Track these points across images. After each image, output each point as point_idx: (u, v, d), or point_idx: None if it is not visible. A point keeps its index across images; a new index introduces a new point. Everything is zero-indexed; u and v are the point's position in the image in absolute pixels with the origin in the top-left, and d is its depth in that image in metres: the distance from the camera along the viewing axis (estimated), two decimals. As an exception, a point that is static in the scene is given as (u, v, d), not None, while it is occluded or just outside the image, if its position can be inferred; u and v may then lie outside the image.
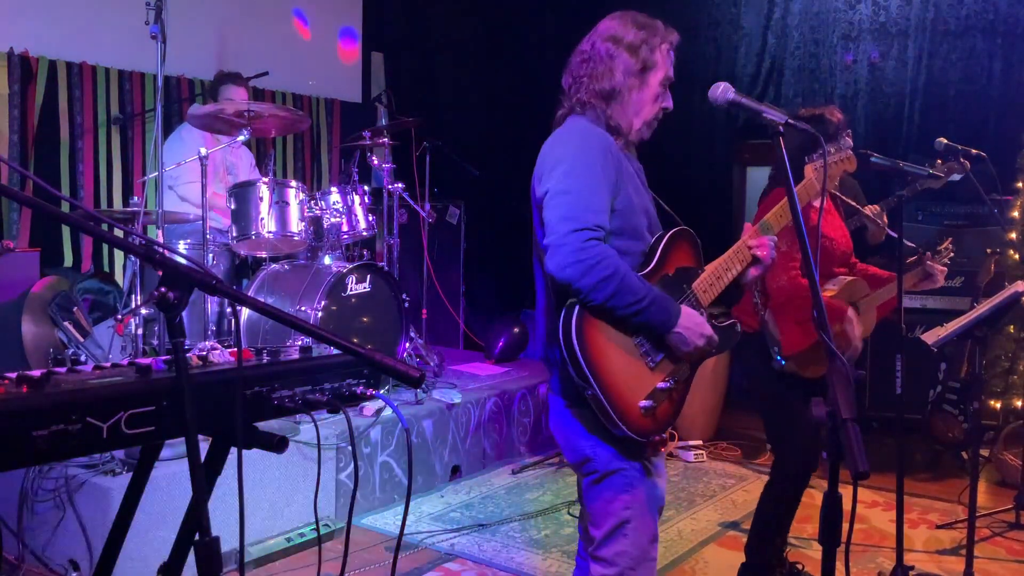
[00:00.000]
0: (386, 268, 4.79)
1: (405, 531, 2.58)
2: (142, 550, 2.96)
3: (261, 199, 4.26)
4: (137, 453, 1.88)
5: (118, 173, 5.47)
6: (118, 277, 5.18)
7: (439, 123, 6.85)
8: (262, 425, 1.77)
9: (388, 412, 4.08)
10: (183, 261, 1.44)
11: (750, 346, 2.99)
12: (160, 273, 1.41)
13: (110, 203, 5.38)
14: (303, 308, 4.13)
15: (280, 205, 4.30)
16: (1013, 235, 4.68)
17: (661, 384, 2.02)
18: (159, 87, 3.68)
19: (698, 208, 2.37)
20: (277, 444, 1.73)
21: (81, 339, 3.86)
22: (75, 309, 3.96)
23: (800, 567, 3.27)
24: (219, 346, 1.84)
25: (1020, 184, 4.76)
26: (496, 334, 5.79)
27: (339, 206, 4.63)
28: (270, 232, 4.26)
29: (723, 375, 5.44)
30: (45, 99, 5.10)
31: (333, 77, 6.89)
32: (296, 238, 4.36)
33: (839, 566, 1.61)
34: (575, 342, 1.91)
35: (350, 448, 3.59)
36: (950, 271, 4.85)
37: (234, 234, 4.31)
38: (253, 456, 3.32)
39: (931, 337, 3.38)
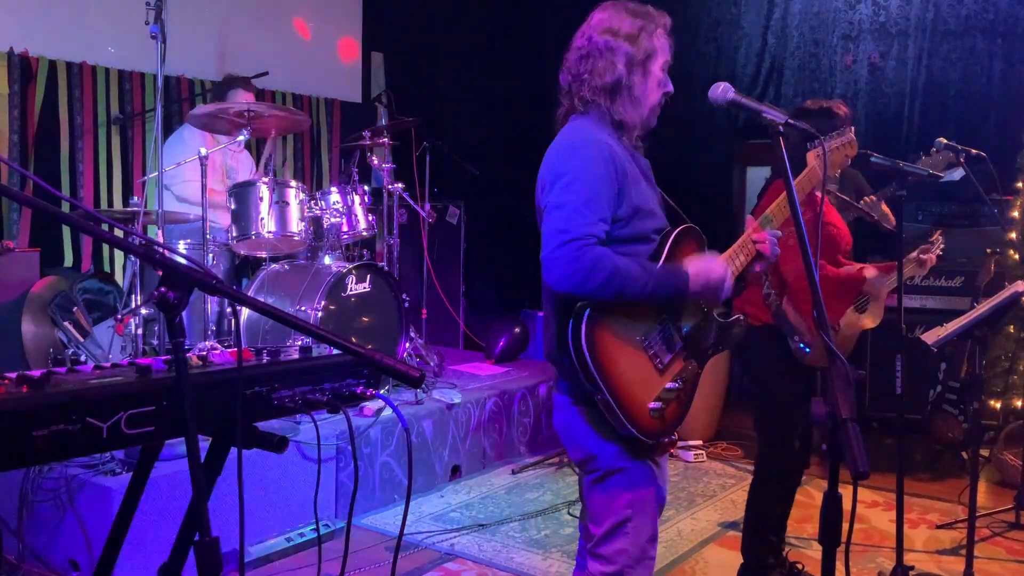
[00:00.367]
0: (386, 268, 4.79)
1: (405, 531, 2.58)
2: (142, 550, 2.96)
3: (261, 199, 4.26)
4: (137, 453, 1.88)
5: (118, 173, 5.47)
6: (118, 277, 5.18)
7: (439, 123, 6.85)
8: (262, 425, 1.77)
9: (388, 412, 4.08)
10: (183, 261, 1.44)
11: (755, 339, 2.98)
12: (160, 273, 1.41)
13: (110, 203, 5.38)
14: (303, 308, 4.13)
15: (280, 205, 4.30)
16: (1013, 235, 4.68)
17: (670, 385, 2.02)
18: (159, 87, 3.68)
19: (698, 208, 2.37)
20: (277, 444, 1.73)
21: (81, 339, 3.86)
22: (75, 309, 3.96)
23: (800, 567, 3.27)
24: (219, 346, 1.84)
25: (1020, 184, 4.76)
26: (496, 334, 5.79)
27: (339, 206, 4.63)
28: (270, 232, 4.26)
29: (723, 375, 5.44)
30: (45, 99, 5.10)
31: (333, 77, 6.89)
32: (296, 238, 4.36)
33: (839, 566, 1.61)
34: (584, 348, 1.90)
35: (350, 448, 3.59)
36: (950, 271, 4.88)
37: (234, 234, 4.31)
38: (253, 456, 3.32)
39: (931, 337, 3.38)
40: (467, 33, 7.28)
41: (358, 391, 1.92)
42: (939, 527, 3.94)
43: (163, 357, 1.75)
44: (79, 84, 5.26)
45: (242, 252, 4.49)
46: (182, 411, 1.44)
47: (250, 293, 4.27)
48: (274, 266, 4.48)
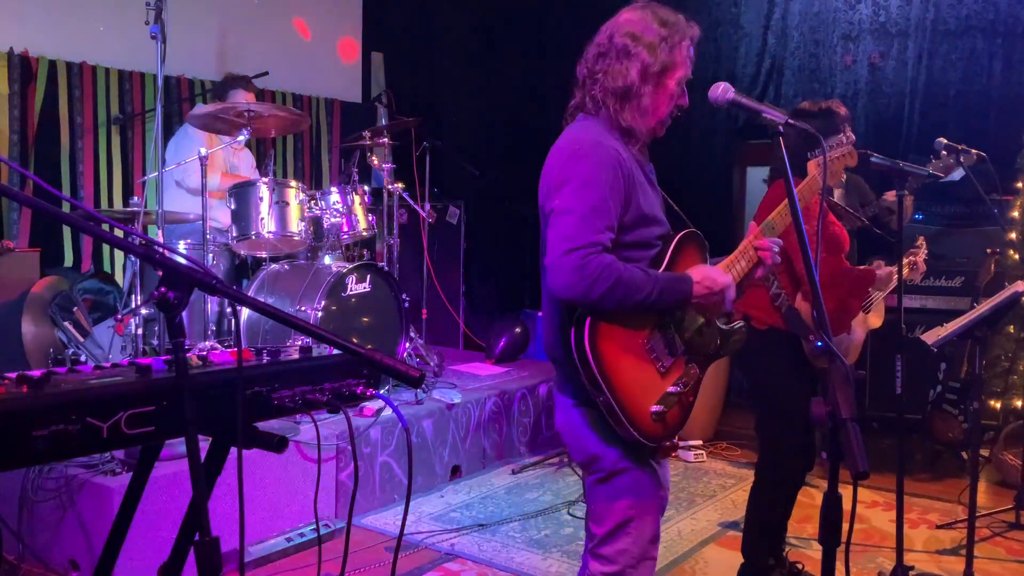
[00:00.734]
0: (386, 268, 4.79)
1: (405, 531, 2.58)
2: (142, 550, 2.96)
3: (261, 199, 4.26)
4: (137, 453, 1.88)
5: (118, 173, 5.47)
6: (118, 277, 5.18)
7: (439, 123, 6.85)
8: (262, 425, 1.77)
9: (388, 412, 4.08)
10: (183, 261, 1.44)
11: (757, 342, 2.98)
12: (160, 273, 1.41)
13: (110, 203, 5.38)
14: (303, 308, 4.13)
15: (280, 205, 4.31)
16: (1013, 235, 4.67)
17: (671, 388, 2.02)
18: (159, 87, 3.68)
19: (698, 208, 2.37)
20: (277, 444, 1.73)
21: (81, 339, 3.86)
22: (75, 309, 3.96)
23: (800, 567, 3.27)
24: (219, 346, 1.84)
25: (1020, 184, 4.76)
26: (496, 334, 5.78)
27: (339, 206, 4.63)
28: (270, 232, 4.27)
29: (723, 375, 5.44)
30: (45, 99, 5.10)
31: (333, 77, 6.89)
32: (296, 238, 4.36)
33: (839, 566, 1.61)
34: (587, 349, 1.90)
35: (350, 448, 3.59)
36: (950, 271, 4.88)
37: (234, 234, 4.31)
38: (253, 456, 3.32)
39: (931, 337, 3.38)
40: (467, 33, 7.28)
41: (358, 391, 1.92)
42: (939, 527, 3.94)
43: (163, 357, 1.75)
44: (79, 84, 5.26)
45: (242, 252, 4.49)
46: (182, 411, 1.44)
47: (250, 293, 4.27)
48: (274, 266, 4.48)
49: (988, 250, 4.49)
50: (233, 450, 1.72)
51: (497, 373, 5.31)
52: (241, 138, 4.28)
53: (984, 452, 4.51)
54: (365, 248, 5.21)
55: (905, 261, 3.34)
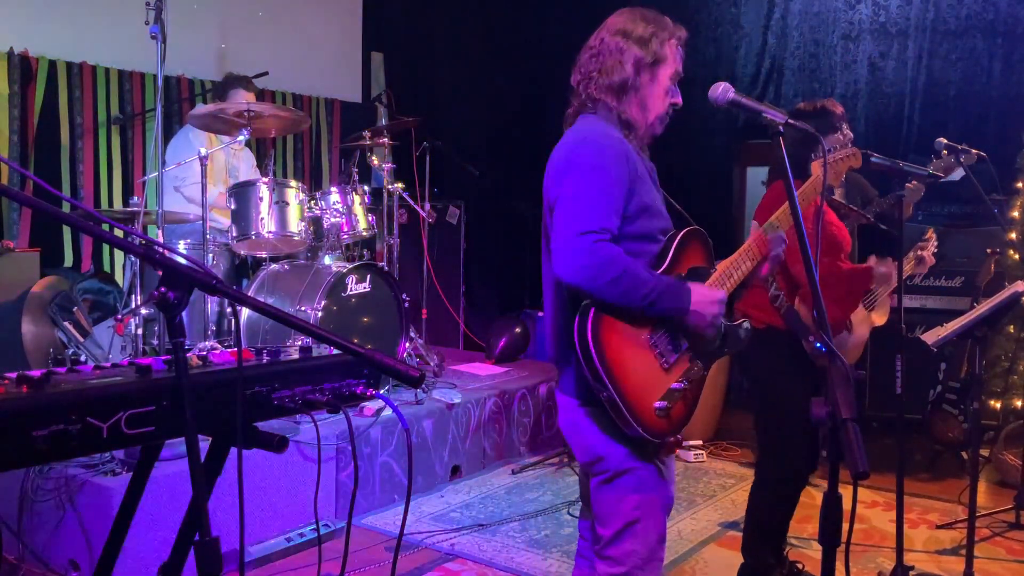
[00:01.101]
0: (386, 268, 4.79)
1: (405, 531, 2.58)
2: (142, 550, 2.96)
3: (261, 199, 4.26)
4: (137, 453, 1.88)
5: (118, 173, 5.47)
6: (118, 277, 5.18)
7: (439, 123, 6.85)
8: (262, 425, 1.77)
9: (388, 412, 4.08)
10: (183, 261, 1.44)
11: (762, 342, 2.98)
12: (160, 273, 1.41)
13: (110, 203, 5.38)
14: (303, 308, 4.13)
15: (280, 205, 4.30)
16: (1013, 235, 4.68)
17: (675, 385, 2.02)
18: (159, 87, 3.68)
19: (698, 208, 2.37)
20: (277, 444, 1.73)
21: (81, 339, 3.86)
22: (75, 309, 3.96)
23: (800, 567, 3.27)
24: (219, 346, 1.84)
25: (1020, 184, 4.76)
26: (496, 334, 5.78)
27: (339, 206, 4.63)
28: (270, 232, 4.27)
29: (723, 375, 5.44)
30: (45, 99, 5.10)
31: (333, 77, 6.89)
32: (296, 238, 4.36)
33: (839, 566, 1.61)
34: (591, 345, 1.91)
35: (350, 448, 3.59)
36: (950, 271, 4.88)
37: (234, 234, 4.31)
38: (253, 456, 3.32)
39: (931, 337, 3.38)
40: (467, 33, 7.28)
41: (358, 391, 1.92)
42: (939, 527, 3.94)
43: (163, 357, 1.75)
44: (79, 84, 5.26)
45: (242, 252, 4.49)
46: (182, 411, 1.44)
47: (250, 293, 4.27)
48: (274, 266, 4.48)
49: (988, 250, 4.49)
50: (233, 450, 1.72)
51: (497, 373, 5.31)
52: (241, 138, 4.28)
53: (984, 452, 4.51)
54: (365, 248, 5.21)
55: (913, 255, 3.34)
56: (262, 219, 4.25)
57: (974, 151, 3.52)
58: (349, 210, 4.65)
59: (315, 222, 4.57)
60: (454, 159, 6.14)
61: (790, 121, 1.92)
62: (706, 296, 2.01)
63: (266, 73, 5.65)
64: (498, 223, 7.07)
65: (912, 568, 3.14)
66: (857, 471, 1.48)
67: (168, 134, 4.94)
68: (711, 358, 2.14)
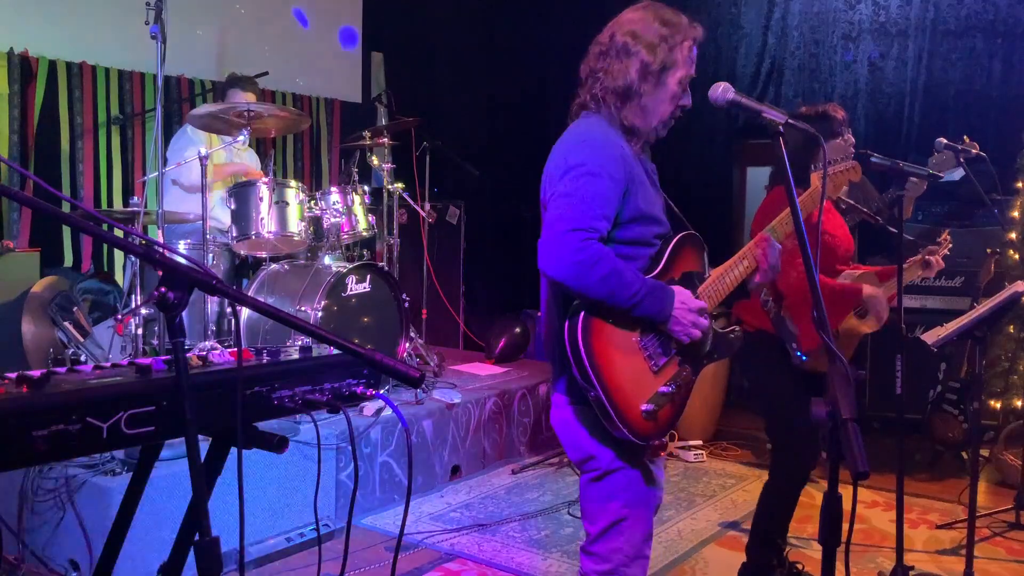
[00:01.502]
0: (386, 268, 4.79)
1: (405, 531, 2.58)
2: (142, 550, 2.96)
3: (261, 199, 4.26)
4: (137, 453, 1.88)
5: (118, 173, 5.47)
6: (118, 277, 5.19)
7: (439, 123, 6.85)
8: (262, 425, 1.77)
9: (388, 412, 4.07)
10: (183, 261, 1.44)
11: (754, 346, 2.99)
12: (160, 273, 1.41)
13: (110, 203, 5.38)
14: (303, 308, 4.13)
15: (280, 205, 4.30)
16: (1013, 235, 4.67)
17: (663, 388, 2.02)
18: (159, 87, 3.68)
19: (698, 208, 2.37)
20: (277, 444, 1.73)
21: (81, 339, 3.86)
22: (75, 309, 3.96)
23: (800, 567, 3.27)
24: (219, 346, 1.84)
25: (1020, 184, 4.76)
26: (496, 334, 5.78)
27: (339, 206, 4.63)
28: (270, 232, 4.27)
29: (723, 375, 5.44)
30: (45, 99, 5.10)
31: (333, 77, 6.89)
32: (296, 238, 4.36)
33: (839, 566, 1.60)
34: (580, 345, 1.91)
35: (350, 448, 3.59)
36: (950, 271, 4.88)
37: (234, 234, 4.31)
38: (253, 456, 3.31)
39: (931, 337, 3.37)
40: (467, 33, 7.28)
41: (358, 391, 1.92)
42: (939, 527, 3.94)
43: (163, 357, 1.75)
44: (79, 84, 5.26)
45: (242, 252, 4.49)
46: (182, 411, 1.44)
47: (250, 293, 4.27)
48: (274, 266, 4.48)
49: (988, 250, 4.49)
50: (233, 450, 1.72)
51: (497, 373, 5.31)
52: (241, 138, 4.28)
53: (984, 452, 4.51)
54: (365, 248, 5.21)
55: (921, 258, 3.32)
56: (262, 219, 4.25)
57: (974, 151, 3.51)
58: (349, 210, 4.65)
59: (315, 222, 4.57)
60: (454, 159, 6.14)
61: (790, 121, 1.91)
62: (687, 303, 2.01)
63: (266, 73, 5.65)
64: (498, 223, 7.07)
65: (912, 568, 3.13)
66: (857, 471, 1.48)
67: (168, 134, 4.94)
68: (700, 363, 2.14)
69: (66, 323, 3.83)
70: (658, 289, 1.98)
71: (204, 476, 1.53)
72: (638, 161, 2.08)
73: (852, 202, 3.26)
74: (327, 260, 4.54)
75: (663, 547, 3.65)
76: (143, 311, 3.88)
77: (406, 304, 4.65)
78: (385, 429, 4.06)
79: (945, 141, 3.50)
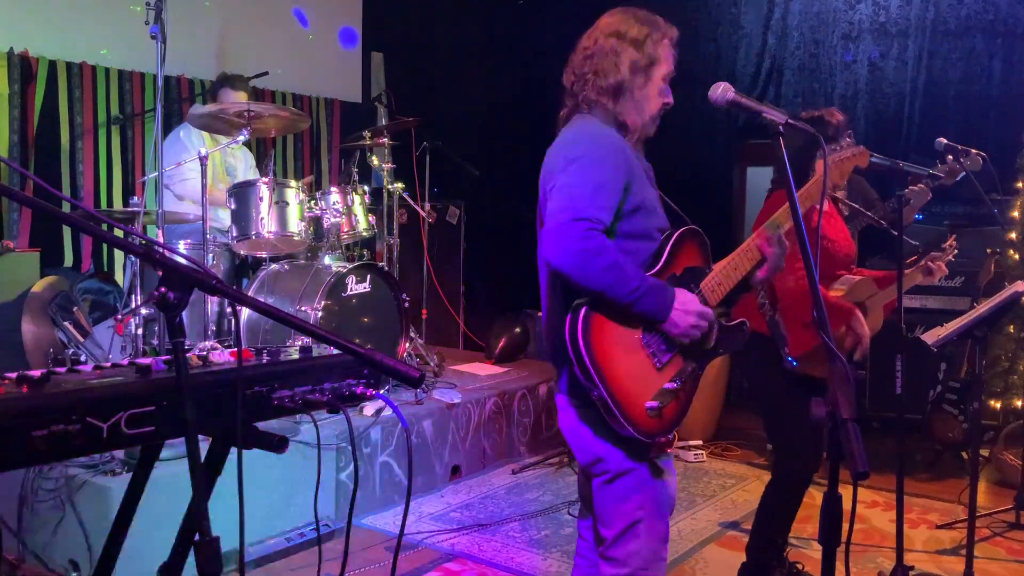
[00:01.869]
0: (386, 268, 4.79)
1: (405, 531, 2.58)
2: (142, 550, 2.95)
3: (261, 199, 4.26)
4: (137, 453, 1.88)
5: (118, 173, 5.47)
6: (118, 277, 5.18)
7: (439, 123, 6.85)
8: (262, 425, 1.77)
9: (388, 412, 4.07)
10: (183, 261, 1.44)
11: (753, 347, 2.98)
12: (160, 273, 1.41)
13: (110, 203, 5.38)
14: (303, 308, 4.13)
15: (280, 205, 4.30)
16: (1013, 235, 4.68)
17: (668, 385, 2.02)
18: (159, 87, 3.68)
19: (698, 208, 2.36)
20: (277, 444, 1.73)
21: (81, 339, 3.86)
22: (75, 309, 3.96)
23: (800, 567, 3.27)
24: (219, 346, 1.84)
25: (1020, 184, 4.76)
26: (496, 334, 5.78)
27: (339, 206, 4.63)
28: (270, 232, 4.26)
29: (723, 375, 5.44)
30: (45, 99, 5.10)
31: (333, 77, 6.89)
32: (296, 238, 4.36)
33: (839, 566, 1.61)
34: (581, 343, 1.91)
35: (350, 448, 3.59)
36: (951, 271, 4.87)
37: (234, 234, 4.31)
38: (253, 456, 3.31)
39: (931, 337, 3.38)
40: (467, 33, 7.28)
41: (358, 391, 1.92)
42: (939, 527, 3.94)
43: (163, 357, 1.75)
44: (79, 84, 5.26)
45: (242, 252, 4.49)
46: (182, 411, 1.44)
47: (250, 293, 4.27)
48: (274, 266, 4.48)
49: (988, 250, 4.49)
50: (233, 450, 1.72)
51: (497, 373, 5.31)
52: (241, 138, 4.28)
53: (984, 452, 4.51)
54: (365, 248, 5.21)
55: (933, 265, 3.31)
56: (262, 219, 4.25)
57: (974, 151, 3.51)
58: (349, 210, 4.65)
59: (315, 222, 4.57)
60: (454, 159, 6.14)
61: (790, 121, 1.91)
62: (688, 306, 2.00)
63: (266, 73, 5.65)
64: (498, 223, 7.07)
65: (912, 568, 3.13)
66: (857, 471, 1.48)
67: (168, 134, 4.94)
68: (705, 358, 2.13)
69: (66, 323, 3.83)
70: (659, 288, 1.98)
71: (204, 476, 1.53)
72: (636, 157, 2.09)
73: (856, 206, 3.26)
74: (327, 260, 4.54)
75: (663, 547, 3.65)
76: (143, 311, 3.88)
77: (406, 304, 4.65)
78: (385, 429, 4.07)
79: (945, 141, 3.49)
